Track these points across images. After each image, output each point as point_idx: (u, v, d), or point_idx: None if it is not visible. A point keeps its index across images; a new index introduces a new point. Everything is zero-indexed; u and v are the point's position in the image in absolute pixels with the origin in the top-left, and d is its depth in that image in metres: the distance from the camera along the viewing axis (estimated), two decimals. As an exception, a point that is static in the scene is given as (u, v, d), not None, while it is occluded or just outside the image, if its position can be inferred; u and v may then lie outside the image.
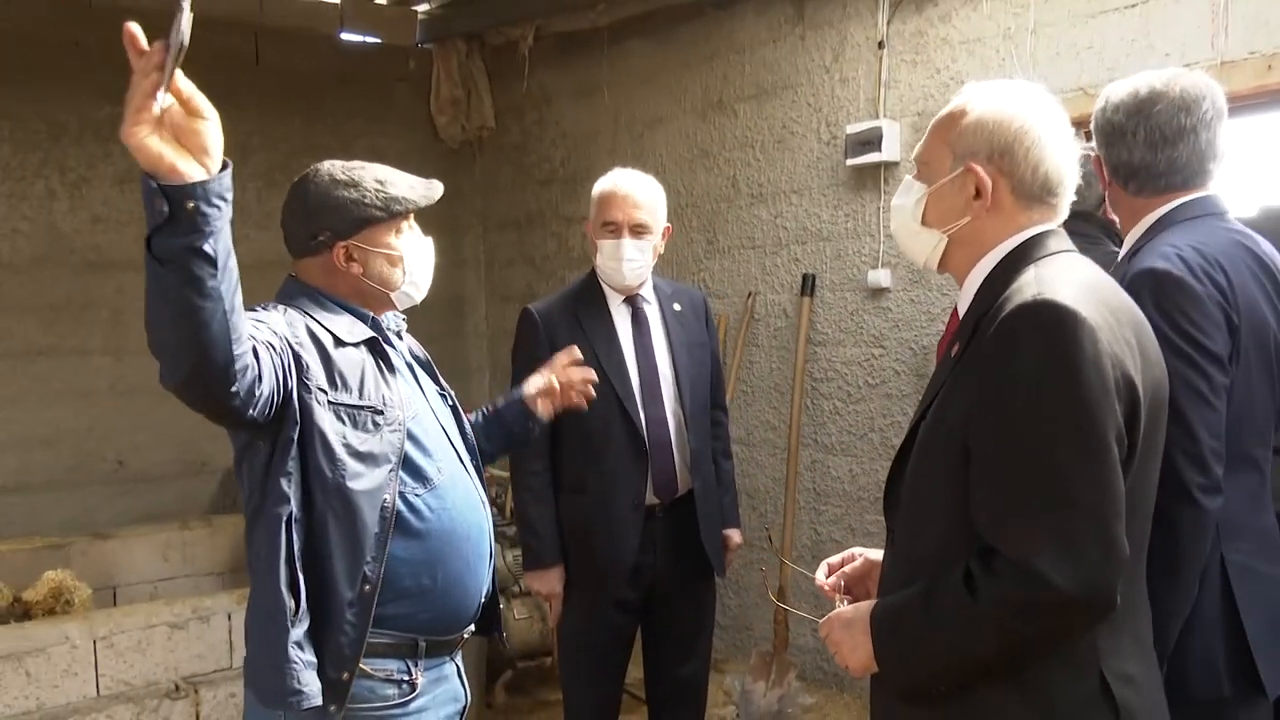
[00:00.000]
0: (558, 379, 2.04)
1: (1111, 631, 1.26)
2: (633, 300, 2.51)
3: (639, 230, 2.42)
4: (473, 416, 2.02)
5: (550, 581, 2.42)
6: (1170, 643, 1.59)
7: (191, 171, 1.18)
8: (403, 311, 1.86)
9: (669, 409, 2.48)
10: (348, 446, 1.59)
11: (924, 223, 1.42)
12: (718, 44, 4.20)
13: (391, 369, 1.72)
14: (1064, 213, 1.39)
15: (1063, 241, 1.36)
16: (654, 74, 4.51)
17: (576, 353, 2.09)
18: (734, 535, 2.68)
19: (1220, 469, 1.58)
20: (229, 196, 1.24)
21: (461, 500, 1.74)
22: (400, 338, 1.86)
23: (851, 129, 3.59)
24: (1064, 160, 1.36)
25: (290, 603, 1.55)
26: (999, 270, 1.34)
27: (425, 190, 1.76)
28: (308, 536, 1.59)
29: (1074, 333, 1.17)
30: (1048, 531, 1.17)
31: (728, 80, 4.18)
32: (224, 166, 1.23)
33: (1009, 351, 1.21)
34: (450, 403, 1.89)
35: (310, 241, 1.71)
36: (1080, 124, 3.25)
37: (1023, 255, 1.33)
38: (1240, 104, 2.61)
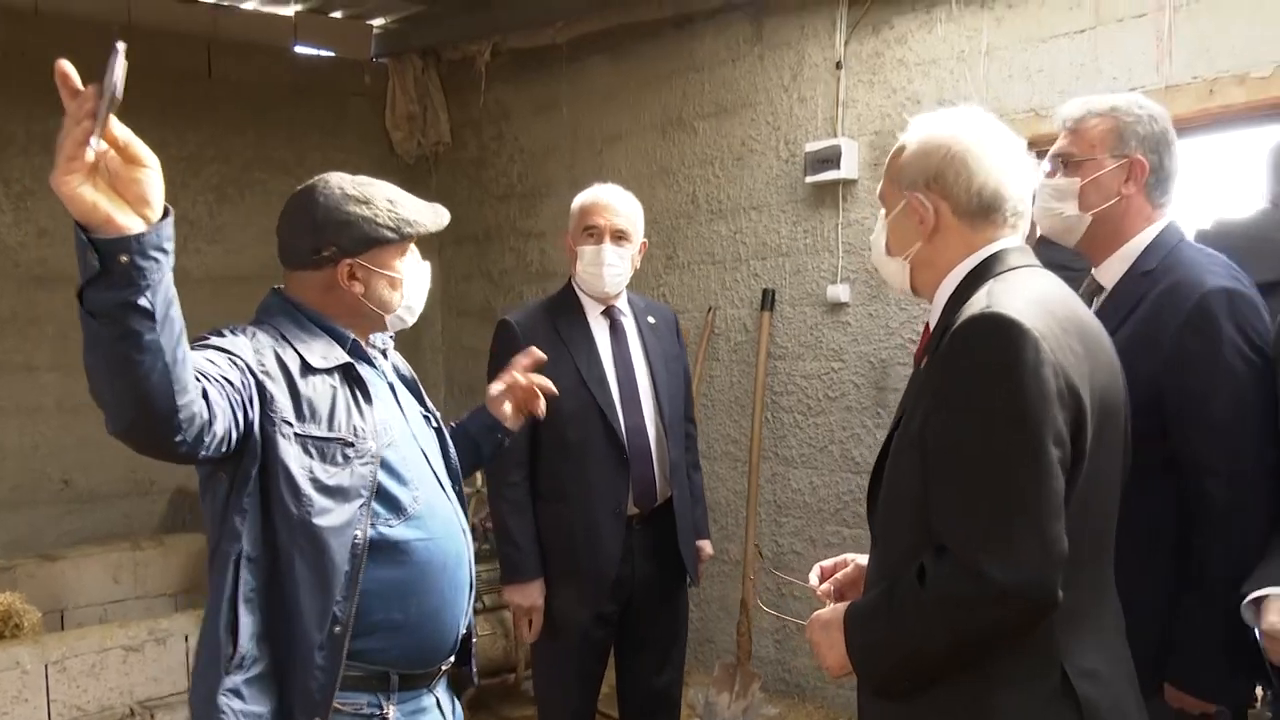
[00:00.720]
0: (520, 379, 1.98)
1: (1072, 628, 1.31)
2: (610, 312, 2.54)
3: (620, 237, 2.46)
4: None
5: (531, 594, 2.41)
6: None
7: (128, 224, 1.10)
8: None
9: (648, 419, 2.50)
10: (314, 481, 1.51)
11: (889, 253, 1.50)
12: (677, 62, 4.25)
13: (366, 395, 1.64)
14: (1021, 227, 1.45)
15: (1024, 256, 1.41)
16: (613, 91, 4.55)
17: (537, 353, 2.04)
18: (705, 546, 2.72)
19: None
20: (169, 247, 1.15)
21: (440, 529, 1.67)
22: (385, 356, 1.80)
23: (810, 147, 3.66)
24: (1004, 175, 1.41)
25: (228, 648, 1.47)
26: (961, 287, 1.40)
27: (434, 216, 1.72)
28: (270, 576, 1.51)
29: (1016, 342, 1.23)
30: (987, 529, 1.22)
31: (687, 98, 4.23)
32: (164, 214, 1.15)
33: (956, 360, 1.28)
34: (435, 425, 1.83)
35: (313, 256, 1.63)
36: (1033, 144, 3.37)
37: (984, 271, 1.39)
38: (1184, 126, 2.72)
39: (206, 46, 4.96)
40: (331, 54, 5.37)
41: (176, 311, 1.21)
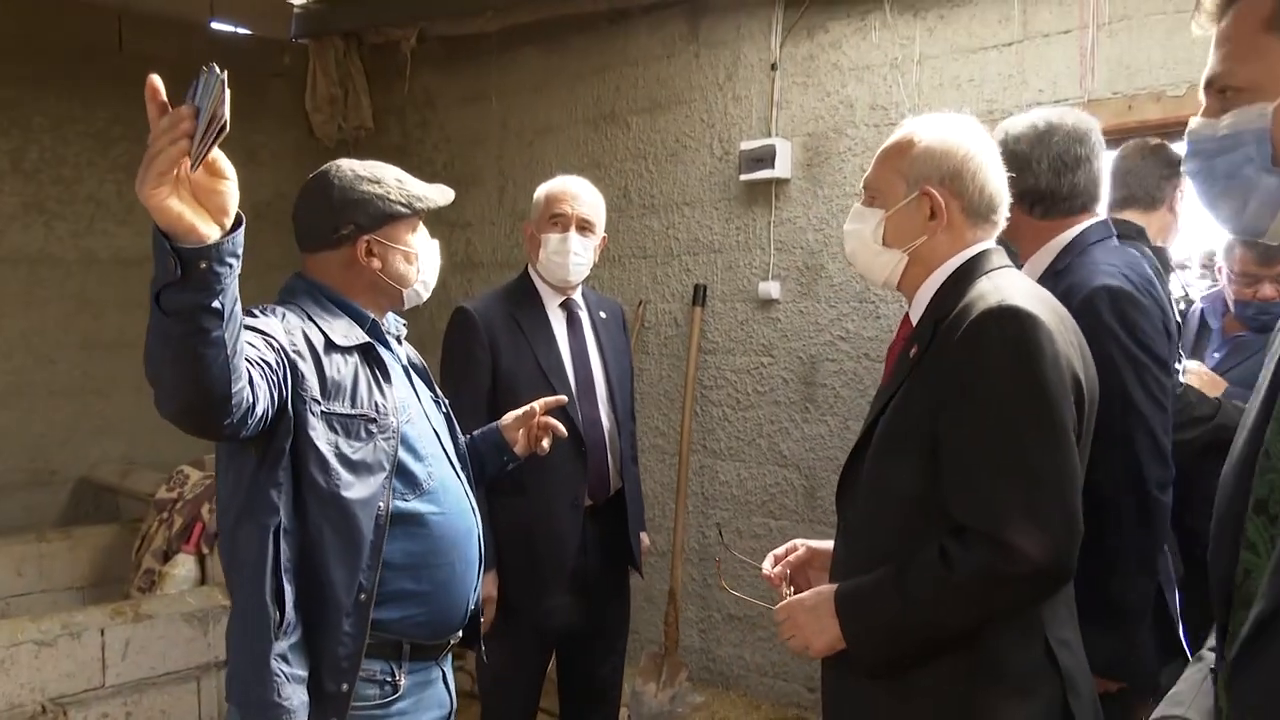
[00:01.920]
0: (538, 414, 2.06)
1: (1053, 600, 1.40)
2: (568, 304, 2.55)
3: (585, 226, 2.49)
4: None
5: (487, 585, 2.40)
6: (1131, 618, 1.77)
7: (208, 233, 1.19)
8: (403, 315, 1.87)
9: (603, 410, 2.53)
10: (341, 456, 1.58)
11: (885, 244, 1.53)
12: (610, 56, 4.27)
13: (386, 375, 1.71)
14: (1000, 230, 1.54)
15: (1003, 258, 1.51)
16: (544, 83, 4.54)
17: (564, 399, 2.13)
18: (644, 538, 2.75)
19: (1171, 469, 1.76)
20: (240, 253, 1.24)
21: (452, 504, 1.74)
22: (400, 342, 1.86)
23: (745, 145, 3.73)
24: (1001, 183, 1.52)
25: (275, 614, 1.53)
26: (950, 283, 1.48)
27: (440, 193, 1.81)
28: (302, 547, 1.57)
29: (1035, 333, 1.32)
30: (1017, 505, 1.30)
31: (620, 92, 4.25)
32: (238, 223, 1.24)
33: (978, 350, 1.34)
34: (444, 410, 1.90)
35: (333, 235, 1.71)
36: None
37: (973, 269, 1.47)
38: (1105, 139, 2.88)
39: (117, 18, 4.75)
40: (249, 32, 5.21)
41: (239, 307, 1.29)
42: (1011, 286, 1.40)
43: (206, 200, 1.18)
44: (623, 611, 2.69)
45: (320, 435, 1.57)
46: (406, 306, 1.84)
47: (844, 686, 1.52)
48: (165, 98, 1.12)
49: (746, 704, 3.88)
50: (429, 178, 5.39)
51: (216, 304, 1.21)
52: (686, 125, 4.03)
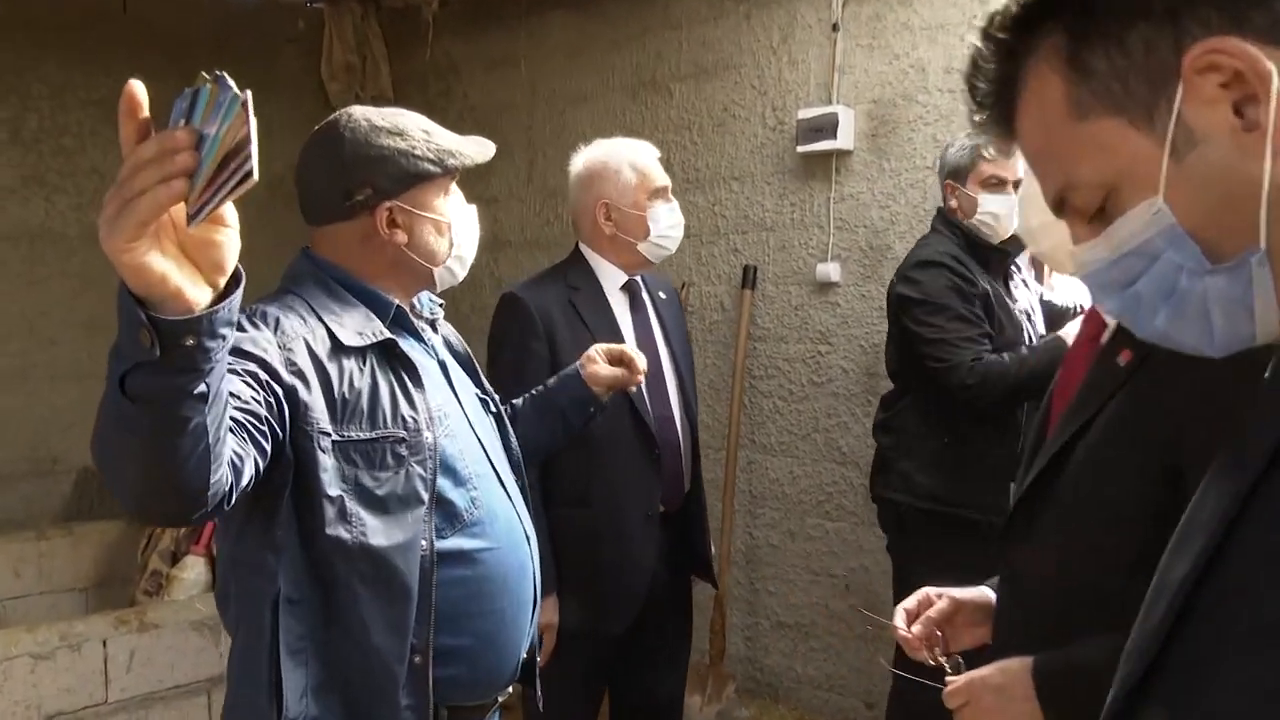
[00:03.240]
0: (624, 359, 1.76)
1: None
2: (630, 286, 2.25)
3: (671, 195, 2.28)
4: (515, 404, 1.71)
5: (548, 611, 2.10)
6: None
7: (198, 298, 0.86)
8: (441, 295, 1.54)
9: (675, 407, 2.24)
10: (362, 493, 1.26)
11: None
12: (650, 20, 3.95)
13: (416, 377, 1.36)
14: None
15: None
16: (579, 48, 4.22)
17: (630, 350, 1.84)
18: (711, 544, 2.48)
19: None
20: (235, 318, 0.91)
21: (503, 536, 1.41)
22: (435, 329, 1.52)
23: (804, 114, 3.41)
24: None
25: (270, 712, 1.22)
26: None
27: (478, 147, 1.45)
28: (327, 617, 1.25)
29: None
30: None
31: (662, 58, 3.93)
32: (235, 280, 0.90)
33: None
34: (493, 409, 1.55)
35: (345, 202, 1.36)
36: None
37: None
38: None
39: (121, -21, 4.46)
40: (262, -4, 4.90)
41: (225, 383, 0.96)
42: None
43: (198, 253, 0.85)
44: (686, 626, 2.43)
45: (332, 477, 1.24)
46: (440, 288, 1.52)
47: None
48: (148, 113, 0.79)
49: (796, 717, 3.61)
50: (455, 150, 5.06)
51: (201, 388, 0.91)
52: (736, 93, 3.71)
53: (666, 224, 2.23)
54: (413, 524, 1.28)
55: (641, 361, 1.76)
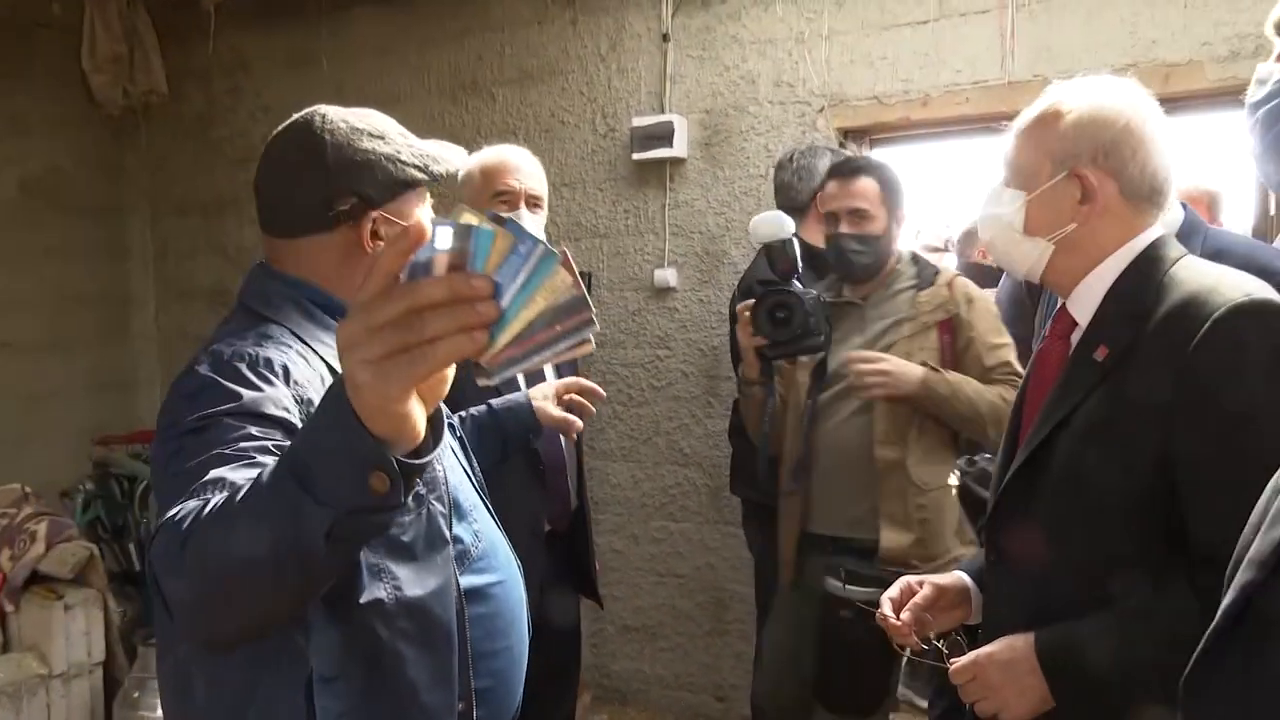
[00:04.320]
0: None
1: None
2: None
3: (535, 202, 2.14)
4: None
5: None
6: None
7: (421, 433, 0.79)
8: None
9: None
10: (390, 543, 1.12)
11: (1026, 232, 1.32)
12: (469, 20, 3.85)
13: None
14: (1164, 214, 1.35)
15: (1179, 248, 1.31)
16: (387, 46, 4.04)
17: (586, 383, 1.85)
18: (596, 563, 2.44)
19: None
20: None
21: (503, 567, 1.32)
22: None
23: (638, 122, 3.44)
24: (1169, 160, 1.31)
25: None
26: (1132, 274, 1.27)
27: (452, 153, 1.33)
28: (367, 688, 1.11)
29: None
30: None
31: (483, 60, 3.84)
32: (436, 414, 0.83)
33: (1233, 352, 1.14)
34: (458, 434, 1.43)
35: (327, 212, 1.20)
36: (866, 132, 3.35)
37: (1158, 258, 1.27)
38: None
39: None
40: (6, -28, 4.34)
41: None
42: (1231, 277, 1.21)
43: (428, 391, 0.78)
44: (577, 647, 2.38)
45: None
46: None
47: None
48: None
49: (648, 717, 3.65)
50: (244, 152, 4.74)
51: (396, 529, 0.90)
52: (564, 99, 3.69)
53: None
54: (442, 565, 1.16)
55: (600, 394, 1.75)
